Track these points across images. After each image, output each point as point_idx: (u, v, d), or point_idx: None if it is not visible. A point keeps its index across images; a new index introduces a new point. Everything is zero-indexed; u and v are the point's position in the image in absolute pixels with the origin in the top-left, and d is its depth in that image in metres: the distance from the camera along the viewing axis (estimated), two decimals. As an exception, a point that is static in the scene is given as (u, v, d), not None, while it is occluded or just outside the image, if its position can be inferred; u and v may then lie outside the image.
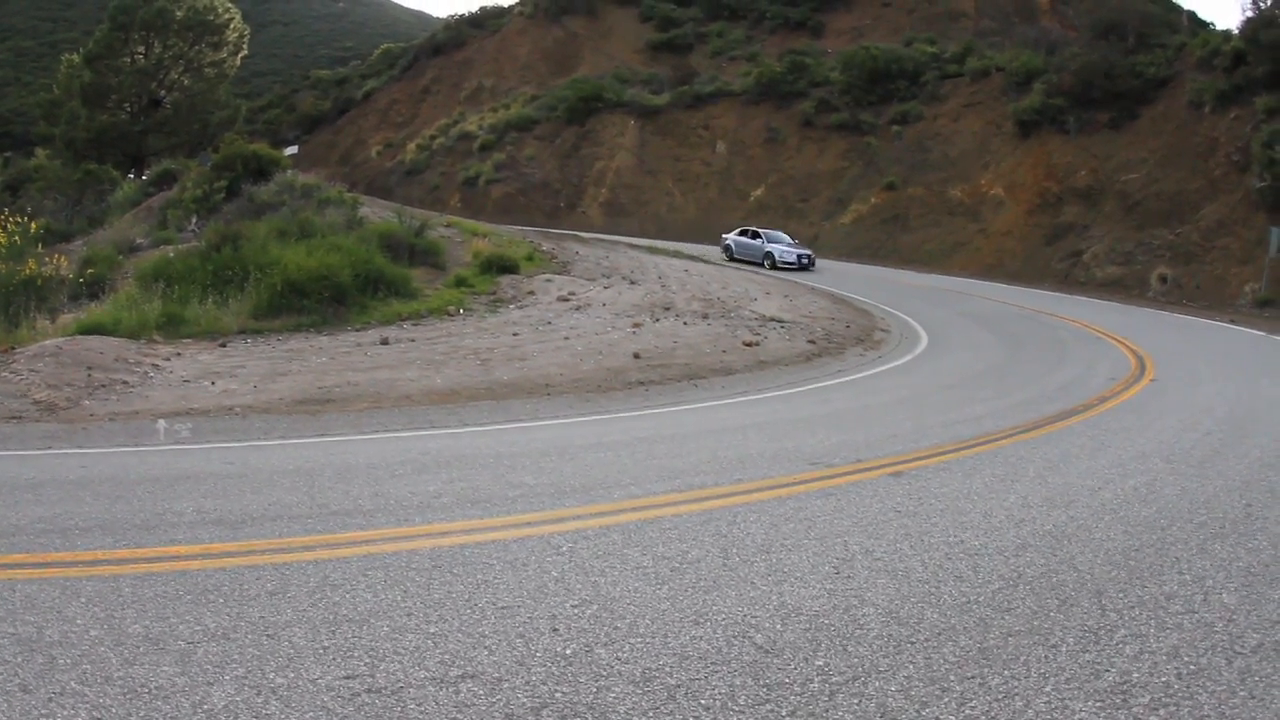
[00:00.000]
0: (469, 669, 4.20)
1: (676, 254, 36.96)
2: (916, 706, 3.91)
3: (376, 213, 27.35)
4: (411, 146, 67.62)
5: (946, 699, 3.97)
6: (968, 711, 3.87)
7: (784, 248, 38.86)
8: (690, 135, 56.48)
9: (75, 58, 50.31)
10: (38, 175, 40.23)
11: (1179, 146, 36.59)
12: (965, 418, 11.47)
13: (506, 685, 4.05)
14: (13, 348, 13.92)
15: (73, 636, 4.48)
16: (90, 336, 14.50)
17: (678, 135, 56.74)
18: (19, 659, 4.23)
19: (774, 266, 37.54)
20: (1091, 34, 45.21)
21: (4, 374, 12.16)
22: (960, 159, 44.91)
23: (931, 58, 52.56)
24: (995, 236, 40.63)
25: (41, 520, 6.37)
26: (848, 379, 15.61)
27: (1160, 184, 36.02)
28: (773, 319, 21.54)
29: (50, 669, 4.15)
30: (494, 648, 4.43)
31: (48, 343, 13.77)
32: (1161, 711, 3.91)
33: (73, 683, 4.02)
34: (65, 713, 3.76)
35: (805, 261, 37.96)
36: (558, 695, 3.97)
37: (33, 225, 19.98)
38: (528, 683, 4.07)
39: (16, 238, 18.65)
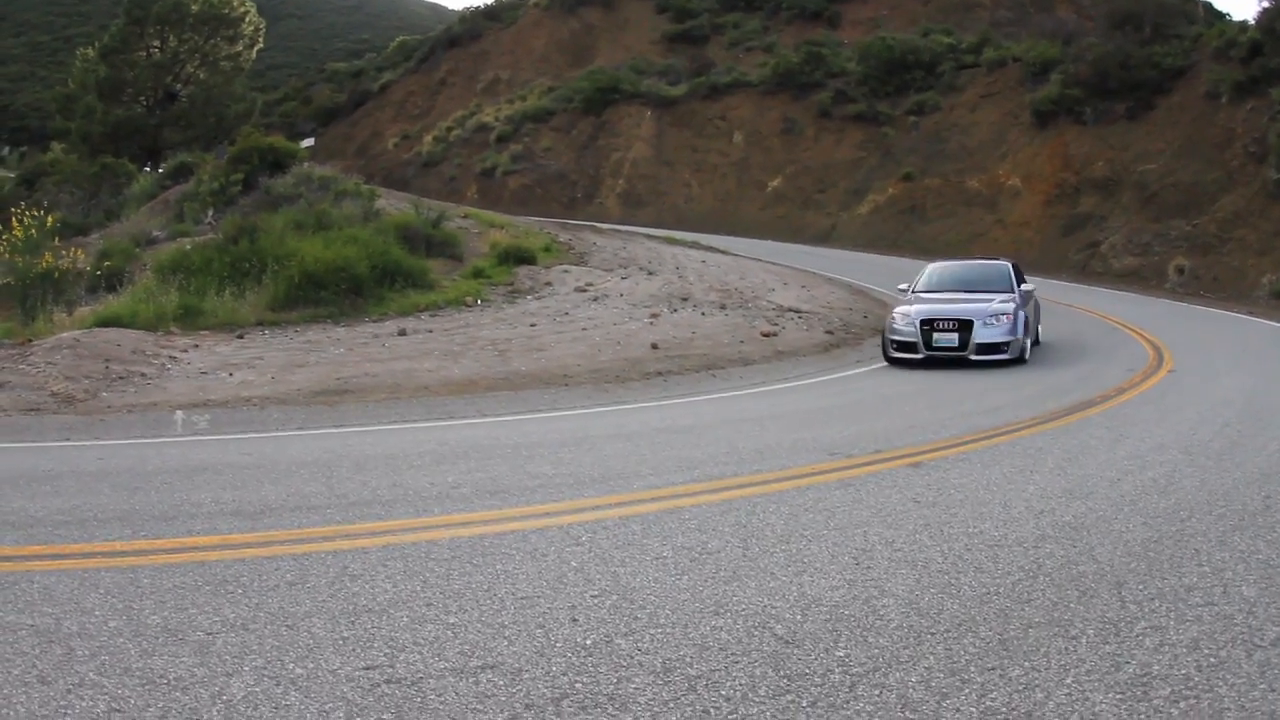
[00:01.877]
0: (489, 659, 4.19)
1: (694, 244, 36.82)
2: (937, 698, 3.89)
3: (393, 204, 27.40)
4: (428, 138, 67.59)
5: (967, 690, 3.95)
6: (988, 703, 3.85)
7: (943, 307, 16.24)
8: (707, 126, 56.30)
9: (90, 52, 50.35)
10: (54, 169, 40.28)
11: (1196, 137, 36.32)
12: (983, 408, 11.43)
13: (526, 676, 4.04)
14: (30, 340, 13.98)
15: (91, 628, 4.49)
16: (107, 329, 14.57)
17: (694, 126, 56.57)
18: (37, 650, 4.24)
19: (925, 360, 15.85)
20: (1108, 24, 44.82)
21: (22, 366, 12.22)
22: (977, 149, 44.66)
23: (948, 48, 52.31)
24: (1012, 227, 40.39)
25: (59, 511, 6.40)
26: (866, 369, 15.58)
27: (1177, 175, 35.76)
28: (790, 309, 21.51)
29: (68, 660, 4.16)
30: (514, 638, 4.42)
31: (65, 335, 13.83)
32: (1182, 704, 3.88)
33: (91, 674, 4.03)
34: (84, 704, 3.77)
35: (988, 351, 15.49)
36: (578, 686, 3.96)
37: (49, 219, 20.03)
38: (548, 673, 4.06)
39: (33, 231, 18.72)
